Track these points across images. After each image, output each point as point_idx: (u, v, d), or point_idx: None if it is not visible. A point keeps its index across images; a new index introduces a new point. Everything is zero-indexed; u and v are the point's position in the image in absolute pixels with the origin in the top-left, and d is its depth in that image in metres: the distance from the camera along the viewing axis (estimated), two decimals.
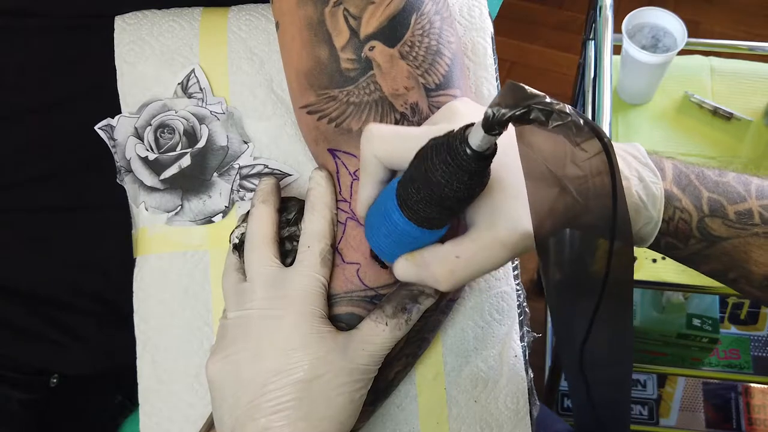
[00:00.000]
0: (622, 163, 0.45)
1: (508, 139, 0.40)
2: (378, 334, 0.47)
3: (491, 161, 0.40)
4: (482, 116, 0.37)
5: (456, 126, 0.40)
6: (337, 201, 0.51)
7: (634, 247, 0.47)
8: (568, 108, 0.36)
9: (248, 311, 0.48)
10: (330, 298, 0.50)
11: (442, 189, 0.40)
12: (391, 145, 0.44)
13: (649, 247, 0.47)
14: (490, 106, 0.36)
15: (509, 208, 0.43)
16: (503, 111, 0.36)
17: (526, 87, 0.36)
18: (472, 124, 0.38)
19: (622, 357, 0.47)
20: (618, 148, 0.46)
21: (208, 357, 0.49)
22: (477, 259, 0.44)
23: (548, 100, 0.36)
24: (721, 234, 0.45)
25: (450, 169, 0.39)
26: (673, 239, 0.46)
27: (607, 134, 0.90)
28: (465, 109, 0.47)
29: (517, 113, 0.36)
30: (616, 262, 0.39)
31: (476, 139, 0.38)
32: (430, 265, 0.45)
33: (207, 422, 0.53)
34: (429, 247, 0.45)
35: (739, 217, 0.46)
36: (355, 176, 0.50)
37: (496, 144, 0.39)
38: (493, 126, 0.36)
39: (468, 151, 0.38)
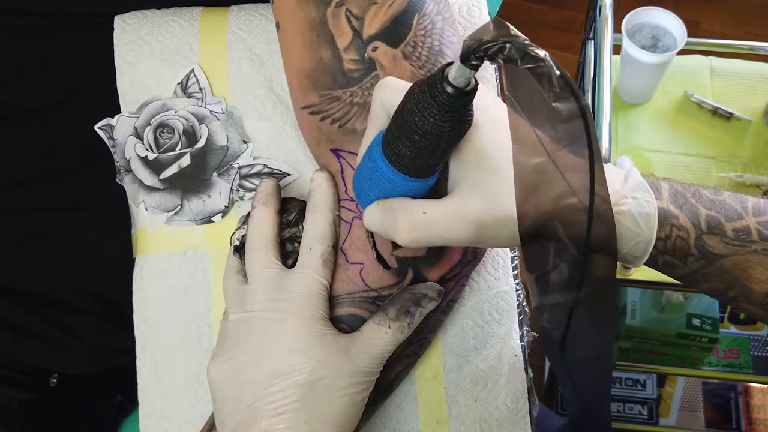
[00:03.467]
0: (614, 180, 0.45)
1: (506, 119, 0.40)
2: (380, 337, 0.47)
3: (471, 99, 0.40)
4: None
5: None
6: (341, 201, 0.51)
7: (630, 267, 0.47)
8: (543, 53, 0.36)
9: (249, 313, 0.48)
10: (332, 299, 0.50)
11: (421, 126, 0.40)
12: (400, 96, 0.44)
13: (647, 266, 0.47)
14: (469, 37, 0.36)
15: (492, 186, 0.43)
16: (480, 43, 0.36)
17: (510, 26, 0.36)
18: (453, 63, 0.38)
19: (603, 348, 0.47)
20: (610, 168, 0.46)
21: (210, 360, 0.49)
22: (441, 223, 0.43)
23: (527, 42, 0.36)
24: (719, 252, 0.45)
25: (428, 106, 0.39)
26: (672, 258, 0.46)
27: (607, 134, 0.90)
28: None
29: (492, 46, 0.36)
30: (596, 232, 0.39)
31: (454, 72, 0.38)
32: (395, 211, 0.44)
33: (208, 423, 0.53)
34: (401, 198, 0.45)
35: (737, 234, 0.45)
36: None
37: (476, 81, 0.39)
38: (468, 56, 0.37)
39: (446, 87, 0.38)
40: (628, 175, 0.45)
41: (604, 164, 0.40)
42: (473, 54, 0.36)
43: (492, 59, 0.36)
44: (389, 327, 0.47)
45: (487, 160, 0.43)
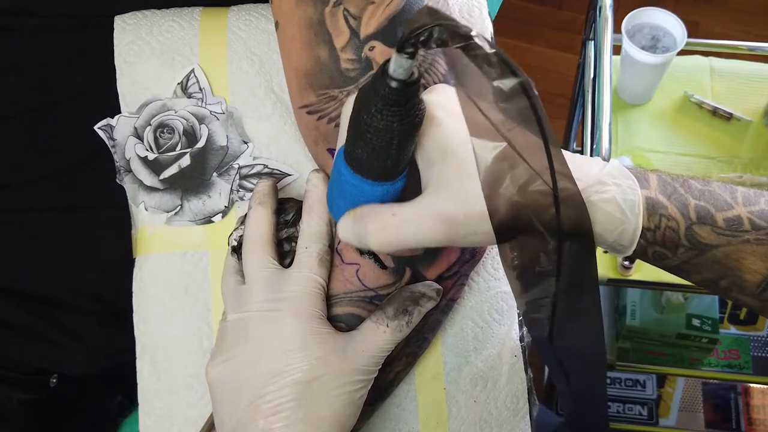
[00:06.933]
0: (592, 167, 0.44)
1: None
2: (379, 336, 0.47)
3: (415, 90, 0.39)
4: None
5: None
6: None
7: (621, 255, 0.47)
8: (473, 32, 0.36)
9: (246, 313, 0.48)
10: (329, 299, 0.50)
11: (370, 124, 0.40)
12: None
13: (637, 257, 0.47)
14: (403, 27, 0.36)
15: (460, 183, 0.42)
16: (411, 30, 0.36)
17: (441, 11, 0.36)
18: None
19: (592, 341, 0.46)
20: (586, 158, 0.46)
21: (208, 360, 0.49)
22: (412, 224, 0.43)
23: (455, 23, 0.36)
24: (710, 242, 0.45)
25: (374, 102, 0.39)
26: (661, 248, 0.46)
27: (607, 135, 0.90)
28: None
29: (423, 32, 0.36)
30: (566, 214, 0.38)
31: (393, 64, 0.38)
32: (365, 217, 0.44)
33: (207, 422, 0.53)
34: (370, 204, 0.44)
35: (728, 224, 0.45)
36: None
37: (418, 72, 0.39)
38: (403, 45, 0.37)
39: (388, 80, 0.39)
40: (606, 164, 0.45)
41: (581, 155, 0.40)
42: (406, 42, 0.36)
43: (426, 44, 0.36)
44: (387, 326, 0.47)
45: (452, 156, 0.43)
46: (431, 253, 0.50)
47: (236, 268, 0.51)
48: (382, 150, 0.41)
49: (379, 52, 0.49)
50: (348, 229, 0.45)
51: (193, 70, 0.58)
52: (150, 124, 0.58)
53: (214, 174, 0.57)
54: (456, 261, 0.51)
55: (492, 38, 0.61)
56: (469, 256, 0.52)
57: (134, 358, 0.57)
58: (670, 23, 1.08)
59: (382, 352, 0.48)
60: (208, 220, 0.57)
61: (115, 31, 0.59)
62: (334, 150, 0.50)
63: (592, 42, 1.05)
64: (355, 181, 0.43)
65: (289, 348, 0.46)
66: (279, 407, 0.45)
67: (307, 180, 0.51)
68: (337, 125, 0.50)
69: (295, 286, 0.48)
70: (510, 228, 0.41)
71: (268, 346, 0.47)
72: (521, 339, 0.58)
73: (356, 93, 0.42)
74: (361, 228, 0.44)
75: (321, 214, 0.50)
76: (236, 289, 0.50)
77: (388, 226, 0.43)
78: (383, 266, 0.49)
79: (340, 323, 0.49)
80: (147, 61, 0.58)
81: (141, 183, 0.57)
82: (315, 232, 0.49)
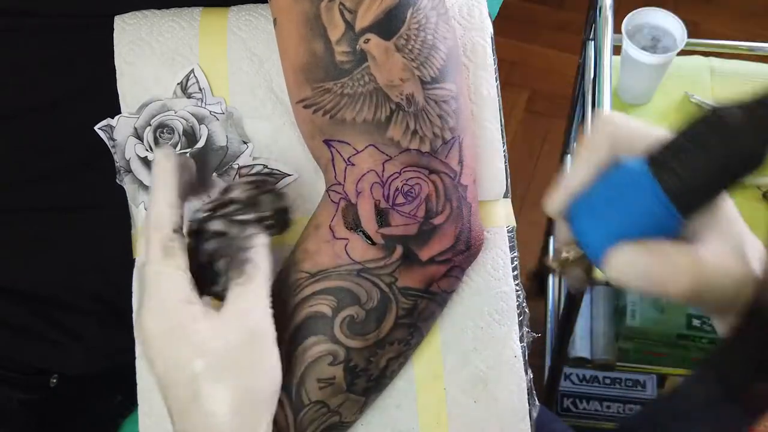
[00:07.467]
0: None
1: None
2: None
3: None
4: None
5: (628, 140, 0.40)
6: (331, 186, 0.51)
7: None
8: None
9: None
10: (320, 273, 0.50)
11: (722, 155, 0.37)
12: (629, 131, 0.42)
13: None
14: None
15: (739, 236, 0.40)
16: None
17: None
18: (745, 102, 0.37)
19: None
20: None
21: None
22: (713, 272, 0.38)
23: None
24: None
25: (742, 142, 0.37)
26: None
27: None
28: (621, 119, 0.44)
29: None
30: None
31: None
32: (670, 254, 0.38)
33: None
34: (662, 240, 0.39)
35: None
36: (348, 162, 0.50)
37: None
38: None
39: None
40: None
41: None
42: None
43: None
44: None
45: (727, 205, 0.40)
46: (426, 233, 0.50)
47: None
48: (714, 185, 0.38)
49: (374, 44, 0.49)
50: (637, 262, 0.39)
51: (193, 71, 0.58)
52: (150, 125, 0.58)
53: (214, 174, 0.57)
54: (449, 247, 0.51)
55: (492, 38, 0.61)
56: (464, 247, 0.52)
57: (134, 358, 0.57)
58: (670, 23, 1.08)
59: None
60: None
61: (115, 31, 0.59)
62: (329, 140, 0.50)
63: (592, 42, 1.05)
64: (663, 207, 0.38)
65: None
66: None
67: (153, 161, 0.48)
68: (332, 117, 0.50)
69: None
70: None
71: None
72: (521, 339, 0.58)
73: (611, 122, 0.41)
74: (660, 266, 0.39)
75: (166, 197, 0.47)
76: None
77: (698, 271, 0.38)
78: (373, 242, 0.50)
79: (329, 296, 0.50)
80: (147, 61, 0.58)
81: (141, 183, 0.57)
82: (153, 219, 0.46)
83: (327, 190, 0.52)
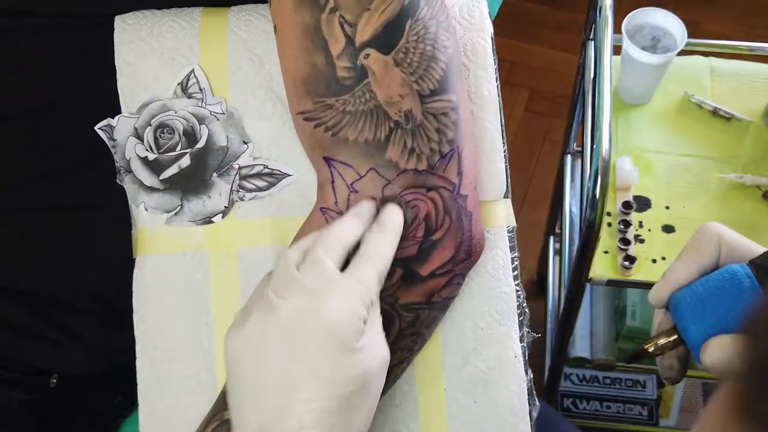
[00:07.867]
0: None
1: None
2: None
3: None
4: None
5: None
6: (327, 209, 0.51)
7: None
8: None
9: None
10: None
11: None
12: (733, 240, 0.48)
13: None
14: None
15: None
16: None
17: None
18: None
19: None
20: None
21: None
22: None
23: None
24: None
25: None
26: None
27: (607, 135, 0.90)
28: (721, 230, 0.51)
29: None
30: None
31: None
32: None
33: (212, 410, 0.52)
34: None
35: None
36: (352, 188, 0.50)
37: None
38: None
39: None
40: None
41: None
42: None
43: None
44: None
45: None
46: (426, 251, 0.50)
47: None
48: None
49: (373, 60, 0.49)
50: (725, 350, 0.45)
51: (193, 71, 0.58)
52: (150, 125, 0.58)
53: (214, 174, 0.57)
54: (449, 259, 0.51)
55: (492, 38, 0.61)
56: (465, 256, 0.52)
57: (134, 358, 0.57)
58: (670, 23, 1.08)
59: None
60: (208, 220, 0.57)
61: (115, 31, 0.59)
62: (330, 159, 0.51)
63: (592, 42, 1.05)
64: None
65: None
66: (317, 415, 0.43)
67: (382, 212, 0.50)
68: (333, 134, 0.50)
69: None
70: None
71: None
72: (521, 339, 0.58)
73: (719, 233, 0.49)
74: None
75: (376, 263, 0.48)
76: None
77: None
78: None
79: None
80: (147, 61, 0.58)
81: (141, 183, 0.57)
82: (365, 280, 0.47)
83: (322, 210, 0.52)
